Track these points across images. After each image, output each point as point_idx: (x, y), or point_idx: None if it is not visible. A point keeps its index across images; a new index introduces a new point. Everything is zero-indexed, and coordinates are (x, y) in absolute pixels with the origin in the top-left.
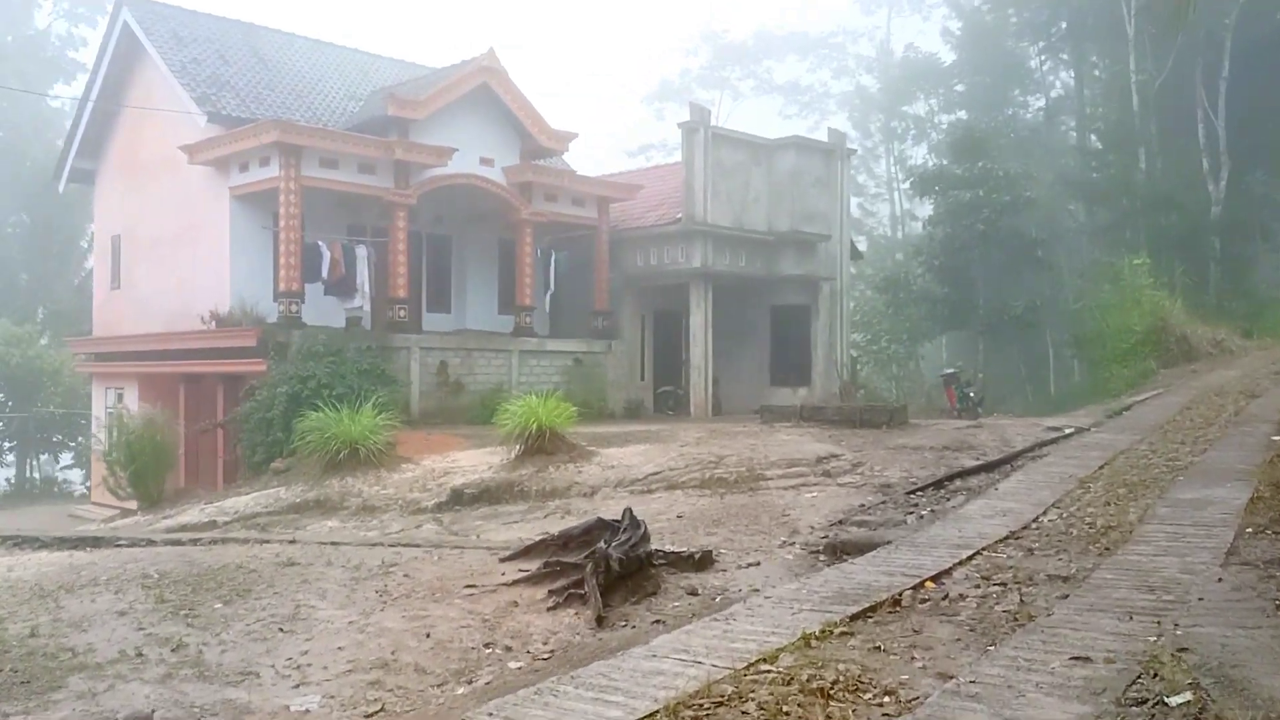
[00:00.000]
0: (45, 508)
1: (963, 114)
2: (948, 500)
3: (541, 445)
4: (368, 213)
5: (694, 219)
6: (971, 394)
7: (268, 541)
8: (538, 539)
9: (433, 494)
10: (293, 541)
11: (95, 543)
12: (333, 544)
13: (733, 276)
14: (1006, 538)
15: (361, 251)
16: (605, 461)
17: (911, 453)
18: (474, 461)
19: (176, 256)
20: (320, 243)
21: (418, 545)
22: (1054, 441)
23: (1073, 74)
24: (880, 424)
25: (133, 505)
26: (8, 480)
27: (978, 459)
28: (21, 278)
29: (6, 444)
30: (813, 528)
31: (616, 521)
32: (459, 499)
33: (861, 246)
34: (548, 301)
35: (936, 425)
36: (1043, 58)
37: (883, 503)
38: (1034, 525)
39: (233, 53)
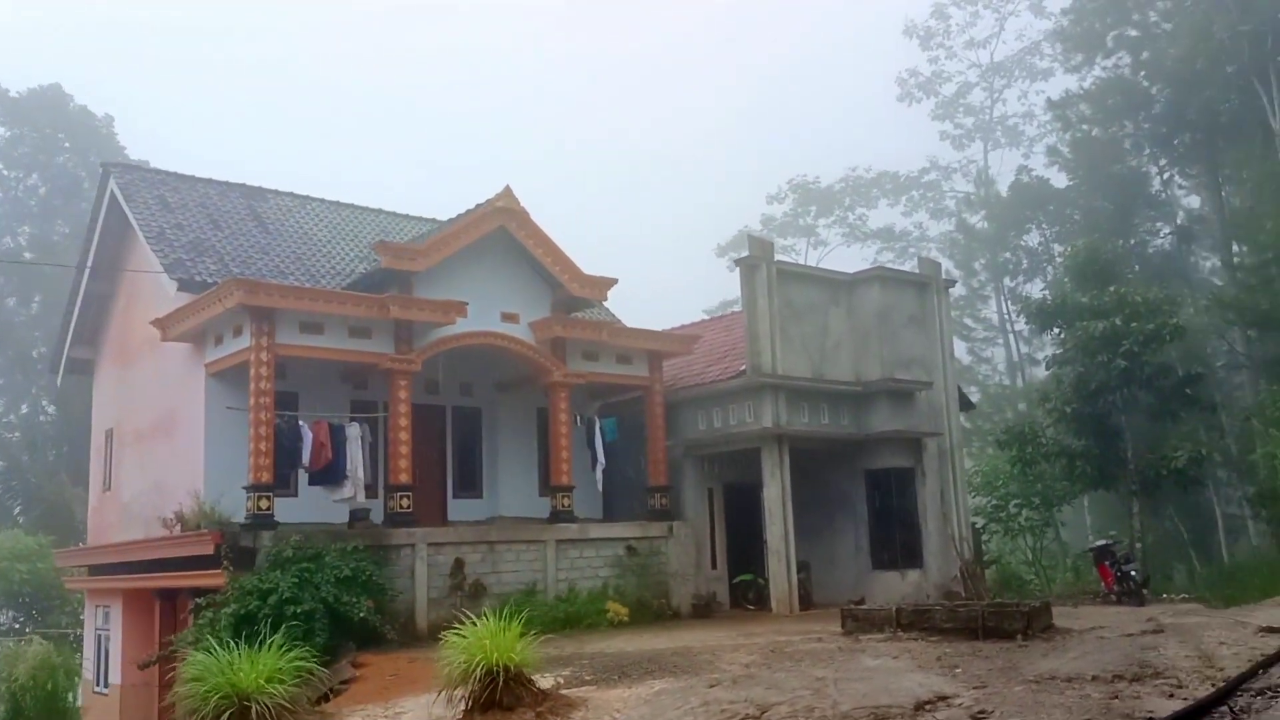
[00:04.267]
0: None
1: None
2: None
3: (495, 696)
4: (379, 386)
5: (760, 370)
6: (1133, 573)
7: None
8: None
9: None
10: None
11: None
12: None
13: (814, 437)
14: None
15: (353, 431)
16: (591, 719)
17: (1065, 688)
18: (416, 718)
19: (156, 450)
20: (302, 423)
21: None
22: None
23: (1204, 189)
24: (1013, 632)
25: None
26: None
27: (1171, 695)
28: (48, 484)
29: None
30: None
31: None
32: None
33: (974, 398)
34: (599, 478)
35: (1096, 629)
36: (1167, 173)
37: None
38: None
39: (228, 217)
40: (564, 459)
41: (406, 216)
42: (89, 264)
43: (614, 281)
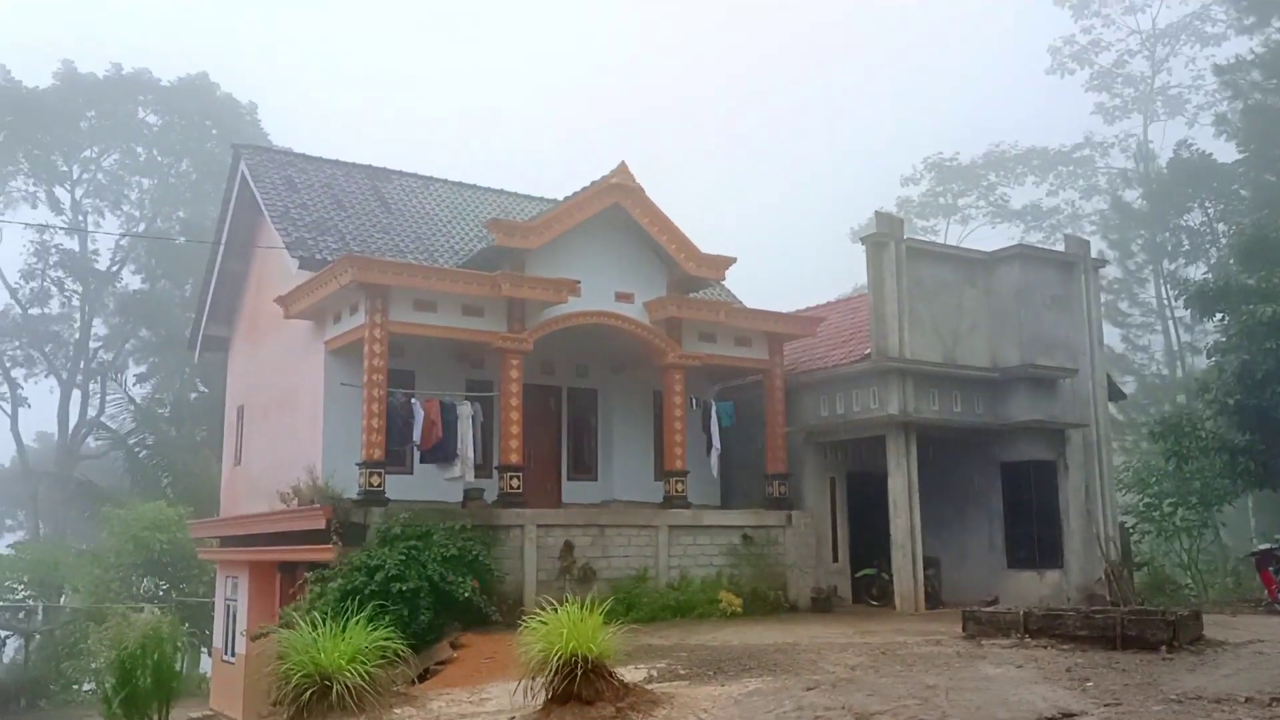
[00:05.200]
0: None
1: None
2: None
3: (573, 688)
4: (495, 365)
5: (886, 354)
6: None
7: None
8: None
9: None
10: None
11: None
12: None
13: (945, 425)
14: None
15: (464, 410)
16: (675, 717)
17: (1211, 709)
18: (500, 706)
19: (281, 426)
20: (414, 400)
21: None
22: None
23: None
24: (1157, 643)
25: None
26: None
27: None
28: (193, 458)
29: None
30: None
31: None
32: None
33: (1129, 388)
34: (714, 464)
35: (1253, 643)
36: None
37: None
38: None
39: (352, 198)
40: (677, 443)
41: (528, 196)
42: (222, 243)
43: (732, 260)
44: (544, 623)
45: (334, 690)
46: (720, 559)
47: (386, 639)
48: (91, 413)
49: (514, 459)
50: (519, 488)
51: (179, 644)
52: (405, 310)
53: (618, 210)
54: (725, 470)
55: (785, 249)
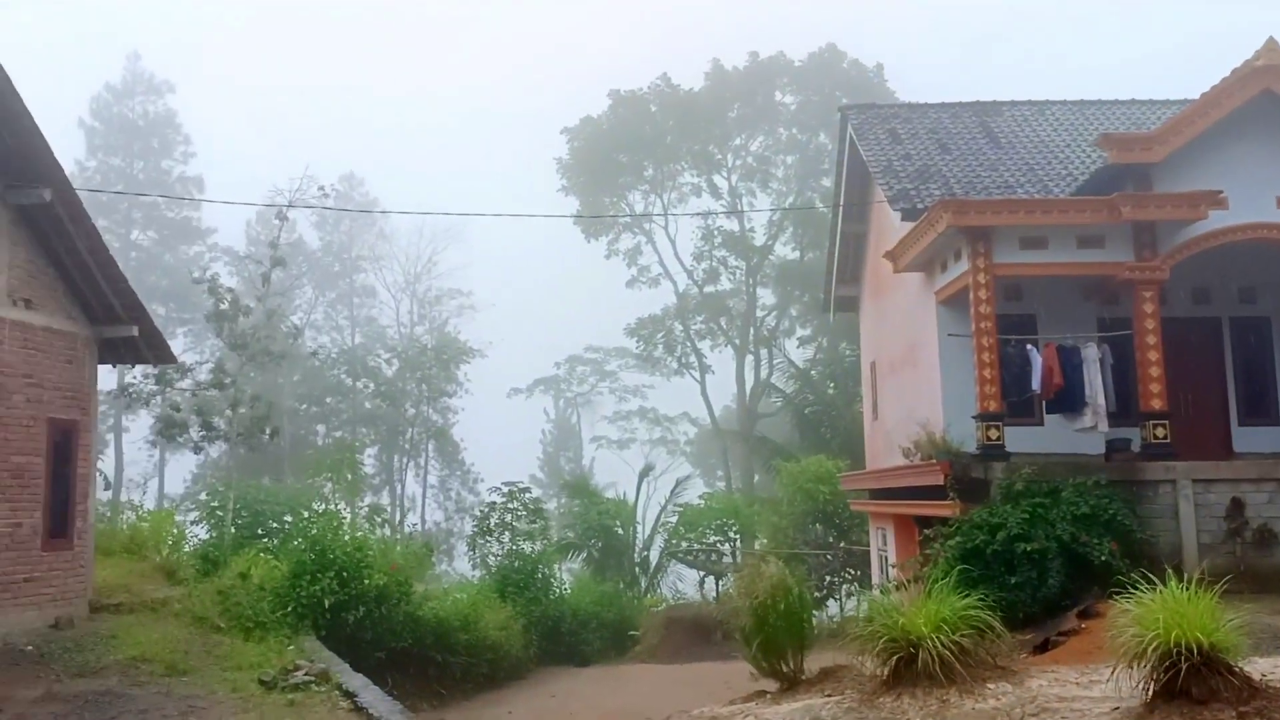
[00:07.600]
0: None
1: None
2: None
3: (1176, 684)
4: (1129, 300)
5: None
6: None
7: None
8: None
9: None
10: None
11: None
12: None
13: None
14: None
15: (1089, 353)
16: None
17: None
18: (1107, 692)
19: (906, 380)
20: (1030, 347)
21: None
22: None
23: None
24: None
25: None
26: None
27: None
28: (847, 413)
29: (828, 578)
30: None
31: None
32: None
33: None
34: None
35: None
36: None
37: None
38: None
39: (957, 139)
40: None
41: (1163, 102)
42: (840, 205)
43: None
44: (1142, 603)
45: (919, 658)
46: None
47: (974, 608)
48: (762, 376)
49: (1156, 405)
50: (1165, 437)
51: (804, 594)
52: (1011, 250)
53: (1268, 98)
54: None
55: None
